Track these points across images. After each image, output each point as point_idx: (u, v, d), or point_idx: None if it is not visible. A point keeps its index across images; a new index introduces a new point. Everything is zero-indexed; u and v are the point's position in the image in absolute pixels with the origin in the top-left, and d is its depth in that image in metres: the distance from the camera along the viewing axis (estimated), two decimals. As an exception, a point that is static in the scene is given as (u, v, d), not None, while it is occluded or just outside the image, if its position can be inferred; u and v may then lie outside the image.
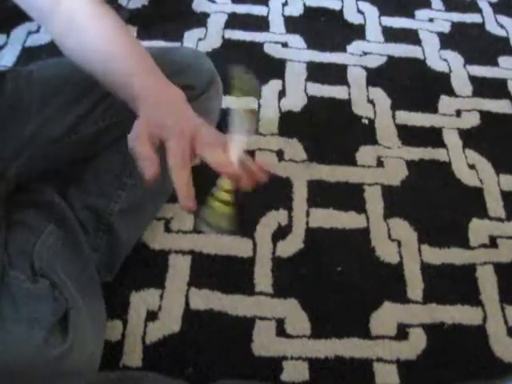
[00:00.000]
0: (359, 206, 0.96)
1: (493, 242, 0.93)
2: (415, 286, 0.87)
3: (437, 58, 1.25)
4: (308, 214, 0.94)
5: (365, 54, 1.25)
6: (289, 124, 1.08)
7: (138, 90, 0.57)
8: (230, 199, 0.53)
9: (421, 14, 1.37)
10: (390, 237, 0.93)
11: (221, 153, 0.53)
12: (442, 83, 1.20)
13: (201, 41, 1.23)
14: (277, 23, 1.30)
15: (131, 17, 1.26)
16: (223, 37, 1.24)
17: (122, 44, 0.62)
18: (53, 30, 0.63)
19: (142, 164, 0.51)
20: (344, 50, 1.25)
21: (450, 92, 1.18)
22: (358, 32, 1.30)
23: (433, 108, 1.14)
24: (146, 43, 1.21)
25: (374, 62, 1.23)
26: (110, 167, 0.79)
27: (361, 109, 1.13)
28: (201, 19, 1.29)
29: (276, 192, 0.97)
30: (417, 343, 0.81)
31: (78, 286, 0.68)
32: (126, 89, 0.59)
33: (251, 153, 1.02)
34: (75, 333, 0.63)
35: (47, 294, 0.63)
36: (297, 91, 1.15)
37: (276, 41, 1.25)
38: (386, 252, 0.91)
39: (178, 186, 0.51)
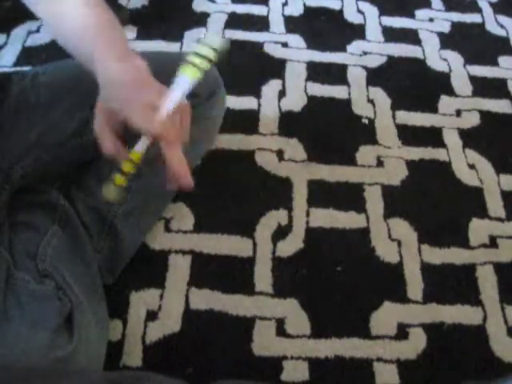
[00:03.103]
0: (359, 206, 0.96)
1: (493, 242, 0.93)
2: (415, 285, 0.87)
3: (437, 57, 1.25)
4: (308, 214, 0.94)
5: (365, 53, 1.25)
6: (289, 124, 1.08)
7: (96, 69, 0.56)
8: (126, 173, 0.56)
9: (421, 13, 1.37)
10: (390, 237, 0.93)
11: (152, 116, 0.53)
12: (442, 83, 1.20)
13: (201, 41, 1.23)
14: (277, 23, 1.30)
15: (131, 17, 1.26)
16: (223, 37, 1.24)
17: (87, 20, 0.60)
18: (39, 11, 0.62)
19: (103, 146, 0.54)
20: (344, 49, 1.25)
21: (450, 92, 1.18)
22: (358, 32, 1.30)
23: (433, 108, 1.14)
24: (146, 43, 1.22)
25: (374, 61, 1.23)
26: (113, 170, 0.79)
27: (361, 109, 1.13)
28: (201, 19, 1.29)
29: (276, 192, 0.97)
30: (417, 343, 0.81)
31: (82, 287, 0.68)
32: (89, 65, 0.58)
33: (251, 153, 1.02)
34: (80, 334, 0.63)
35: (52, 295, 0.63)
36: (297, 91, 1.15)
37: (276, 41, 1.25)
38: (386, 252, 0.91)
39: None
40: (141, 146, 0.54)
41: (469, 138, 1.09)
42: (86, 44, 0.59)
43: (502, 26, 1.35)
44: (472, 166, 1.04)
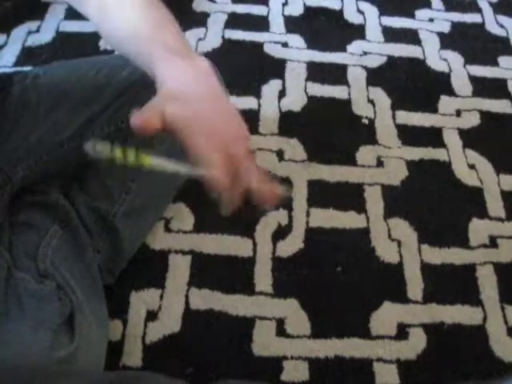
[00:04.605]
0: (359, 206, 0.96)
1: (493, 242, 0.93)
2: (415, 285, 0.87)
3: (437, 58, 1.25)
4: (308, 214, 0.94)
5: (365, 53, 1.25)
6: (289, 124, 1.08)
7: (158, 72, 0.50)
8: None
9: (421, 13, 1.37)
10: (390, 237, 0.93)
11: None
12: (442, 83, 1.20)
13: (201, 41, 1.23)
14: (277, 23, 1.30)
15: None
16: (223, 37, 1.24)
17: (144, 23, 0.55)
18: (88, 13, 0.58)
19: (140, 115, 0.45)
20: (344, 49, 1.25)
21: (450, 92, 1.18)
22: (358, 32, 1.30)
23: (433, 108, 1.14)
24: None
25: (374, 61, 1.23)
26: (115, 171, 0.80)
27: (361, 109, 1.13)
28: (201, 19, 1.29)
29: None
30: (417, 343, 0.81)
31: (82, 287, 0.69)
32: (150, 70, 0.53)
33: (251, 152, 1.02)
34: (81, 334, 0.63)
35: (53, 295, 0.63)
36: (297, 91, 1.15)
37: (276, 41, 1.25)
38: (386, 252, 0.91)
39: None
40: (168, 165, 0.47)
41: (469, 138, 1.09)
42: (143, 43, 0.53)
43: (502, 26, 1.35)
44: (472, 166, 1.04)
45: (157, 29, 0.54)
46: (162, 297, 0.83)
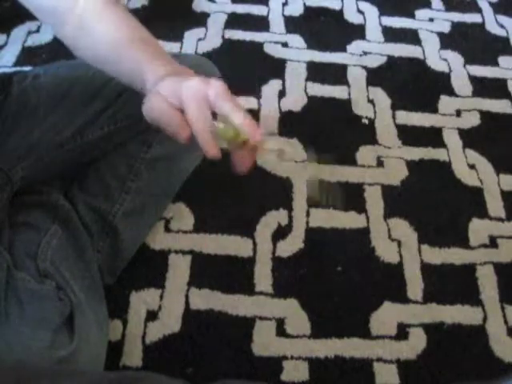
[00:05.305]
0: (359, 206, 0.96)
1: (493, 242, 0.93)
2: (415, 286, 0.87)
3: (437, 58, 1.25)
4: (308, 214, 0.94)
5: (365, 53, 1.25)
6: (289, 124, 1.08)
7: (149, 75, 0.53)
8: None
9: (421, 13, 1.37)
10: (390, 237, 0.93)
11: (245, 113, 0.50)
12: (442, 83, 1.20)
13: (201, 41, 1.23)
14: (277, 23, 1.30)
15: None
16: (223, 37, 1.24)
17: (128, 37, 0.59)
18: (65, 32, 0.61)
19: (170, 129, 0.49)
20: (344, 50, 1.25)
21: (450, 92, 1.18)
22: (358, 32, 1.30)
23: (433, 108, 1.14)
24: (146, 43, 1.21)
25: (374, 61, 1.23)
26: (115, 171, 0.80)
27: (361, 109, 1.13)
28: (201, 19, 1.29)
29: (276, 192, 0.97)
30: (417, 343, 0.81)
31: (82, 287, 0.69)
32: (138, 77, 0.55)
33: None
34: (81, 333, 0.63)
35: (53, 295, 0.63)
36: (297, 91, 1.15)
37: (276, 41, 1.25)
38: (386, 252, 0.91)
39: (203, 140, 0.49)
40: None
41: (469, 138, 1.09)
42: (129, 61, 0.57)
43: (502, 26, 1.35)
44: (472, 166, 1.04)
45: (139, 40, 0.58)
46: (162, 297, 0.83)
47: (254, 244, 0.90)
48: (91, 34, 0.59)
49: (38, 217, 0.72)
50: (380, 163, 1.03)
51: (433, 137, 1.09)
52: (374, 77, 1.19)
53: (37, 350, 0.58)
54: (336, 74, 1.19)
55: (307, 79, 1.17)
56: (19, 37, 1.21)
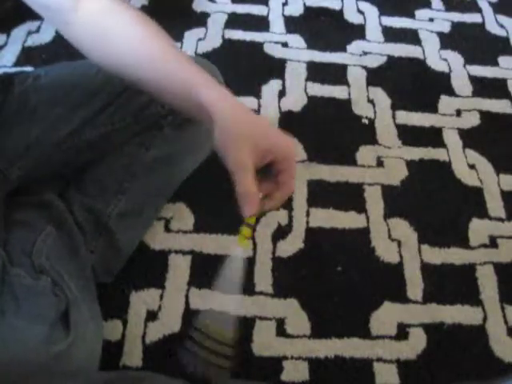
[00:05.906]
0: (359, 206, 0.96)
1: (493, 242, 0.93)
2: (415, 286, 0.87)
3: (437, 58, 1.25)
4: (308, 214, 0.94)
5: (365, 53, 1.25)
6: (289, 124, 1.08)
7: (206, 102, 0.53)
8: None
9: (421, 13, 1.37)
10: (390, 237, 0.93)
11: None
12: (442, 83, 1.20)
13: (201, 41, 1.23)
14: (277, 23, 1.30)
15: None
16: (223, 37, 1.24)
17: (168, 51, 0.57)
18: (71, 33, 0.58)
19: (244, 202, 0.53)
20: (344, 49, 1.25)
21: (450, 92, 1.18)
22: (358, 32, 1.30)
23: (433, 108, 1.14)
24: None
25: (374, 61, 1.23)
26: (111, 171, 0.80)
27: (361, 109, 1.13)
28: (201, 19, 1.29)
29: (276, 192, 0.97)
30: (417, 343, 0.81)
31: (77, 285, 0.68)
32: (187, 99, 0.55)
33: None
34: (76, 329, 0.63)
35: (48, 291, 0.63)
36: (297, 91, 1.15)
37: (276, 41, 1.25)
38: (386, 252, 0.91)
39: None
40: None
41: (469, 138, 1.09)
42: (165, 69, 0.56)
43: (501, 26, 1.35)
44: (472, 166, 1.04)
45: (173, 55, 0.57)
46: (162, 297, 0.83)
47: (254, 244, 0.89)
48: (111, 41, 0.57)
49: (32, 216, 0.72)
50: (380, 163, 1.03)
51: (433, 137, 1.09)
52: (374, 77, 1.19)
53: (33, 345, 0.58)
54: (336, 74, 1.19)
55: (307, 79, 1.17)
56: (19, 37, 1.21)
